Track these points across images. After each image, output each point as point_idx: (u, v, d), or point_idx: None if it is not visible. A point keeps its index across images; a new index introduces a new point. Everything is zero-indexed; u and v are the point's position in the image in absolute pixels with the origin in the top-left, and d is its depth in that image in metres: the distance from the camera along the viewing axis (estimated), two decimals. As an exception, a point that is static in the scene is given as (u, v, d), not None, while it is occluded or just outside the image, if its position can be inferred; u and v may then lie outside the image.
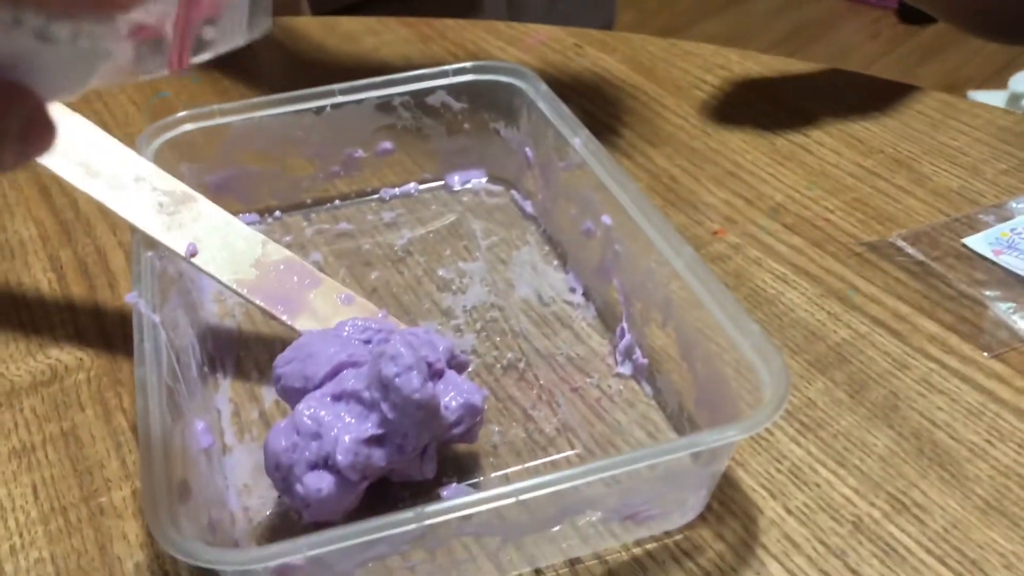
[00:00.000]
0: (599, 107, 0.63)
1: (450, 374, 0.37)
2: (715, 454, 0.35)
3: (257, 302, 0.42)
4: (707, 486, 0.36)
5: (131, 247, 0.41)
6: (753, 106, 0.62)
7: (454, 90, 0.53)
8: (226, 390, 0.43)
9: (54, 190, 0.56)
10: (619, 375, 0.43)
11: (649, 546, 0.36)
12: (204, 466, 0.36)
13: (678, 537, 0.36)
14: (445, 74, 0.52)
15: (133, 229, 0.41)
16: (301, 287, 0.43)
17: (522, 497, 0.31)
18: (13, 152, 0.20)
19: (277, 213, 0.53)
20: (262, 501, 0.38)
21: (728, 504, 0.37)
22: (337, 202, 0.54)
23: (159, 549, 0.36)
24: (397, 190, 0.55)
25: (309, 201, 0.54)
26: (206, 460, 0.37)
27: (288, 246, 0.47)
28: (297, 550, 0.29)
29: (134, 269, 0.40)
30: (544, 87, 0.50)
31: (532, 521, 0.34)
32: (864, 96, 0.63)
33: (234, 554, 0.31)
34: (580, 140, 0.47)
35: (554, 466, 0.39)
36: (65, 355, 0.45)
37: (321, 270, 0.49)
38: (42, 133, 0.21)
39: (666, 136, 0.59)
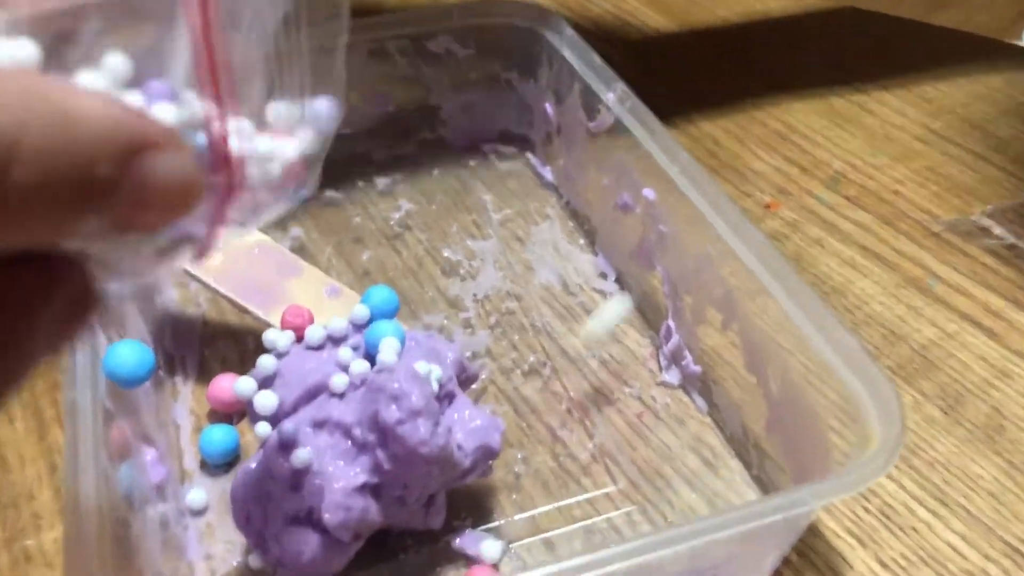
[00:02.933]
0: (626, 58, 0.54)
1: (460, 400, 0.30)
2: (801, 515, 0.26)
3: (226, 292, 0.35)
4: (791, 543, 0.29)
5: None
6: (803, 59, 0.54)
7: (460, 34, 0.44)
8: (186, 398, 0.35)
9: None
10: (664, 384, 0.36)
11: None
12: (154, 509, 0.29)
13: None
14: (449, 15, 0.44)
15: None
16: (279, 275, 0.35)
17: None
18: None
19: None
20: (228, 547, 0.30)
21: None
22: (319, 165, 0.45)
23: (99, 609, 0.29)
24: (393, 151, 0.47)
25: None
26: (158, 497, 0.30)
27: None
28: None
29: None
30: (570, 31, 0.42)
31: None
32: (928, 49, 0.55)
33: None
34: (615, 95, 0.39)
35: (592, 506, 0.31)
36: (-7, 351, 0.37)
37: (303, 248, 0.41)
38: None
39: (704, 92, 0.51)
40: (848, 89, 0.52)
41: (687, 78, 0.52)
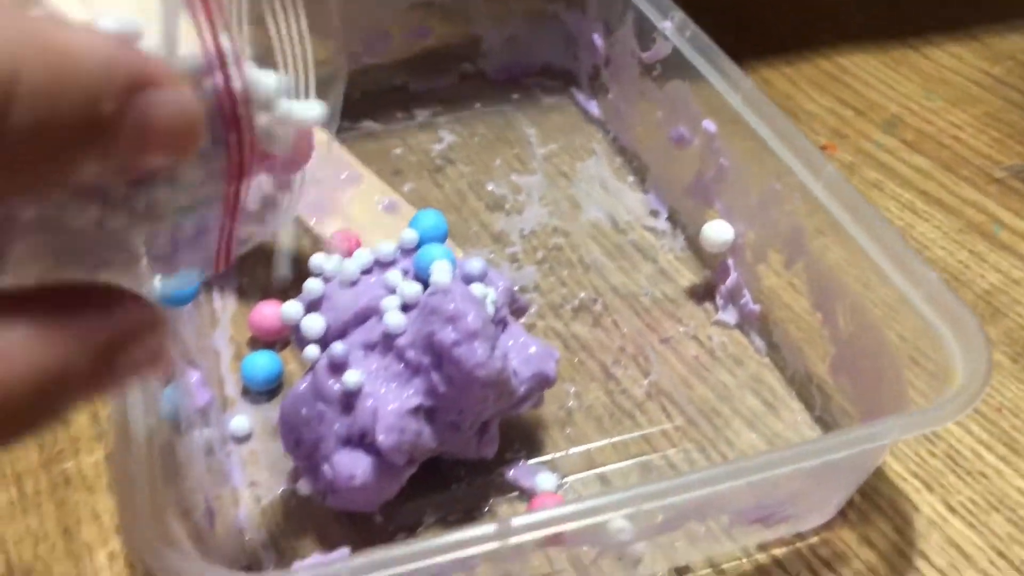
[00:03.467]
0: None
1: (514, 328, 0.28)
2: (879, 449, 0.26)
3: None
4: (857, 483, 0.28)
5: None
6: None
7: None
8: (226, 326, 0.34)
9: None
10: (720, 323, 0.34)
11: (777, 551, 0.28)
12: (199, 433, 0.28)
13: (813, 540, 0.28)
14: None
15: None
16: (336, 183, 0.34)
17: (629, 511, 0.22)
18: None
19: None
20: (273, 475, 0.29)
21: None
22: (359, 95, 0.44)
23: (140, 534, 0.28)
24: (432, 83, 0.45)
25: None
26: (202, 421, 0.29)
27: None
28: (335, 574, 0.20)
29: None
30: None
31: (638, 531, 0.24)
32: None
33: None
34: (672, 23, 0.37)
35: (647, 442, 0.30)
36: (25, 274, 0.36)
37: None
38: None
39: (752, 30, 0.50)
40: (903, 32, 0.50)
41: (735, 14, 0.50)
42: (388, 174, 0.40)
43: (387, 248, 0.29)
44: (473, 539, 0.21)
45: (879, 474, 0.29)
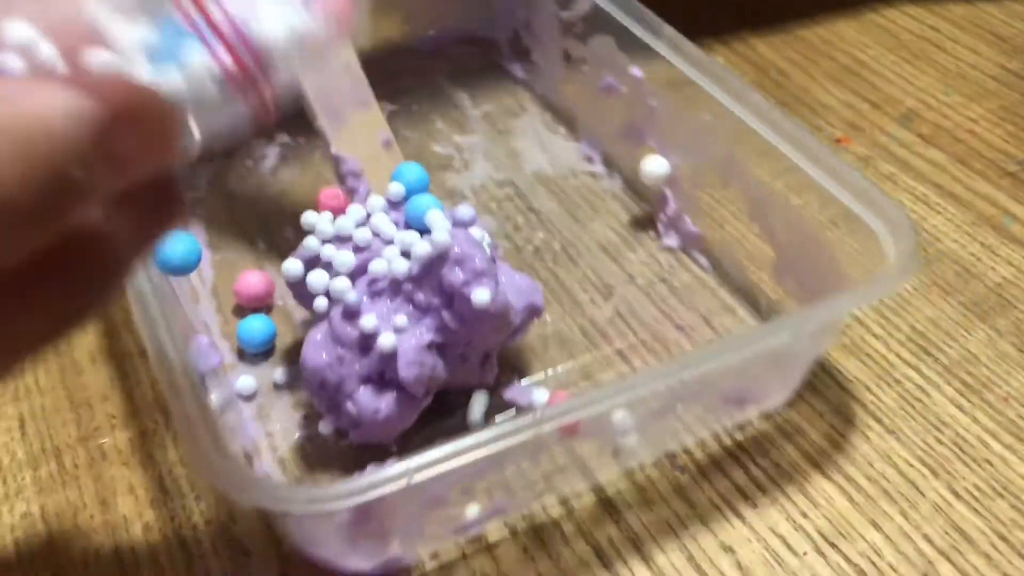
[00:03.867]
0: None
1: (501, 265, 0.31)
2: (832, 325, 0.30)
3: (307, 92, 0.34)
4: (813, 361, 0.32)
5: None
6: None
7: None
8: (209, 298, 0.35)
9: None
10: (666, 248, 0.37)
11: (749, 431, 0.31)
12: (217, 394, 0.29)
13: (779, 419, 0.31)
14: None
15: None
16: (349, 101, 0.35)
17: (634, 394, 0.25)
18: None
19: None
20: (284, 427, 0.31)
21: (880, 483, 0.30)
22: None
23: (173, 507, 0.29)
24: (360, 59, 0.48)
25: None
26: (215, 382, 0.30)
27: None
28: (403, 475, 0.22)
29: None
30: None
31: (637, 419, 0.27)
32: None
33: (320, 491, 0.23)
34: None
35: (620, 356, 0.33)
36: (61, 257, 0.37)
37: (293, 154, 0.42)
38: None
39: (768, 21, 0.50)
40: (919, 25, 0.50)
41: (752, 6, 0.51)
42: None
43: (378, 201, 0.31)
44: (513, 430, 0.23)
45: (886, 458, 0.30)
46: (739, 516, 0.29)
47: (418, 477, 0.22)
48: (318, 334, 0.28)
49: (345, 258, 0.29)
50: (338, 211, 0.31)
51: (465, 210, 0.31)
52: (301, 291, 0.30)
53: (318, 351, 0.28)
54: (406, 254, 0.29)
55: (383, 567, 0.27)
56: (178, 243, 0.30)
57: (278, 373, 0.32)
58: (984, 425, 0.31)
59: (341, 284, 0.28)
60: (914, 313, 0.35)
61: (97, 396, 0.32)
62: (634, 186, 0.40)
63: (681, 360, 0.26)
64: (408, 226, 0.30)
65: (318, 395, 0.29)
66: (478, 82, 0.46)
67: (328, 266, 0.29)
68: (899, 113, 0.44)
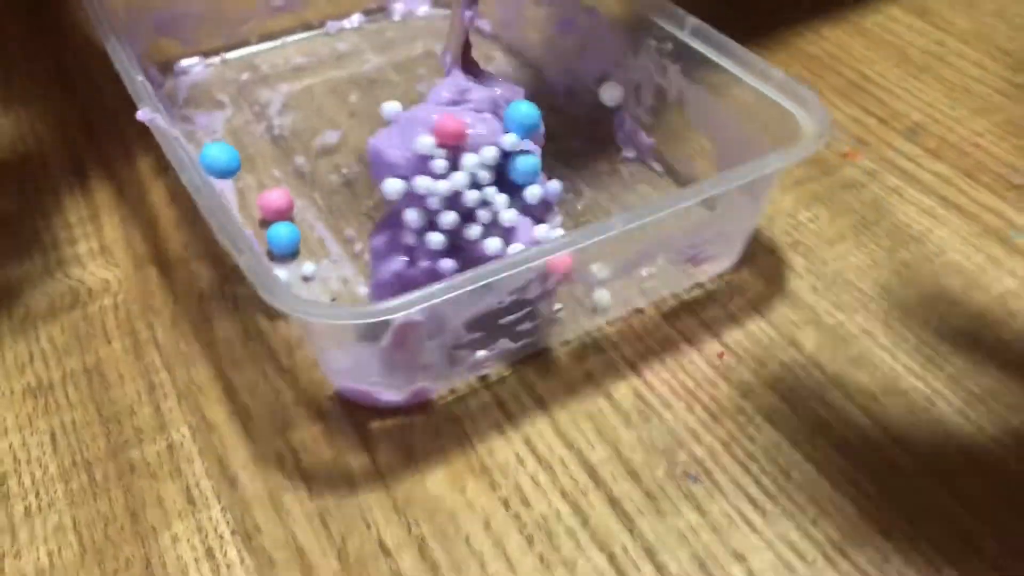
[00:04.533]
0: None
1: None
2: (765, 183, 0.36)
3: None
4: (754, 224, 0.38)
5: (119, 70, 0.37)
6: (874, 6, 0.54)
7: None
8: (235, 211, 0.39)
9: (76, 75, 0.49)
10: (625, 159, 0.43)
11: (703, 288, 0.37)
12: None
13: (729, 278, 0.37)
14: None
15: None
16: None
17: (627, 227, 0.31)
18: None
19: (223, 55, 0.50)
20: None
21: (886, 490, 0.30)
22: (282, 39, 0.51)
23: (200, 519, 0.30)
24: (344, 22, 0.52)
25: (253, 40, 0.51)
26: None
27: (249, 83, 0.48)
28: (425, 299, 0.28)
29: (131, 86, 0.36)
30: None
31: (615, 267, 0.34)
32: (1007, -1, 0.54)
33: (368, 307, 0.29)
34: None
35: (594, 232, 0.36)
36: (88, 275, 0.38)
37: (295, 100, 0.48)
38: None
39: (776, 37, 0.51)
40: (926, 39, 0.51)
41: (752, 20, 0.52)
42: (331, 92, 0.49)
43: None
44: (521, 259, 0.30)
45: (898, 468, 0.31)
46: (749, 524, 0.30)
47: (444, 297, 0.28)
48: (385, 236, 0.34)
49: (448, 218, 0.33)
50: (282, 212, 0.39)
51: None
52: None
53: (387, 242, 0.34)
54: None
55: (411, 397, 0.33)
56: (221, 150, 0.36)
57: (306, 267, 0.38)
58: (989, 434, 0.32)
59: (436, 239, 0.33)
60: (920, 324, 0.36)
61: (125, 410, 0.33)
62: (597, 111, 0.44)
63: (641, 209, 0.32)
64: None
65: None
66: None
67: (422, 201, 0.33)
68: (905, 127, 0.45)
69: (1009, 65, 0.49)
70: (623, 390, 0.33)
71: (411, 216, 0.33)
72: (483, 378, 0.34)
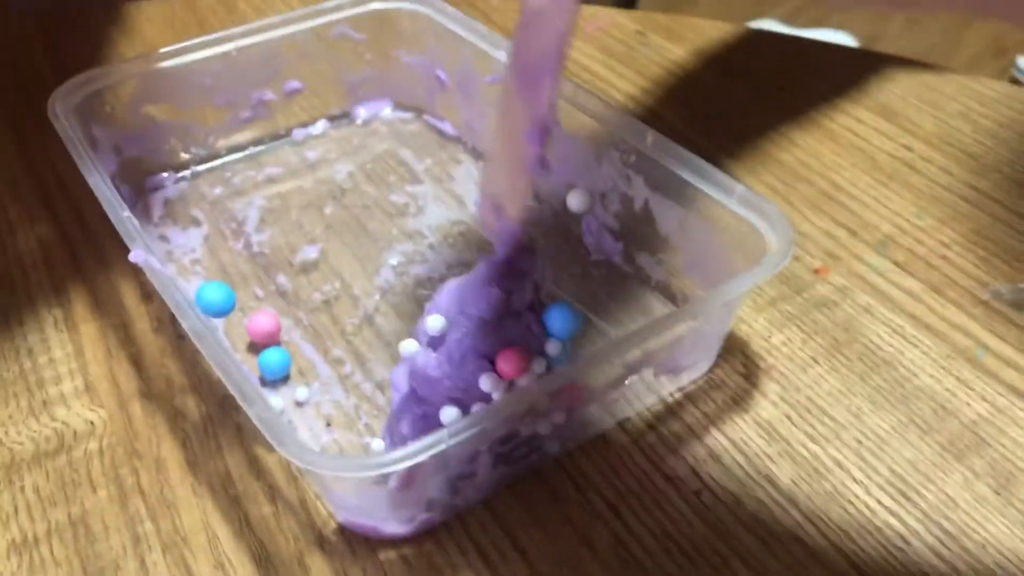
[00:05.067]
0: (669, 107, 0.56)
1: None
2: (736, 301, 0.38)
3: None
4: (724, 333, 0.40)
5: (105, 208, 0.38)
6: (842, 109, 0.55)
7: (355, 22, 0.51)
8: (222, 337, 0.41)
9: (59, 201, 0.49)
10: (596, 262, 0.44)
11: (683, 392, 0.39)
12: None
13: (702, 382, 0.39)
14: (343, 7, 0.51)
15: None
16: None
17: (619, 353, 0.34)
18: None
19: (194, 168, 0.51)
20: (311, 433, 0.38)
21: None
22: (251, 149, 0.52)
23: None
24: (310, 129, 0.53)
25: (223, 151, 0.52)
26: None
27: (224, 197, 0.49)
28: (434, 445, 0.29)
29: (120, 227, 0.37)
30: (451, 8, 0.50)
31: (600, 387, 0.36)
32: (965, 96, 0.55)
33: (377, 458, 0.30)
34: (505, 52, 0.44)
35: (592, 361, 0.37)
36: (73, 416, 0.39)
37: (271, 214, 0.49)
38: None
39: (749, 146, 0.52)
40: (894, 143, 0.52)
41: (729, 129, 0.53)
42: (308, 204, 0.49)
43: None
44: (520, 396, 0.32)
45: (869, 614, 0.32)
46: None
47: (451, 441, 0.30)
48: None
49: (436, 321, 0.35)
50: (271, 335, 0.40)
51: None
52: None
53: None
54: None
55: (415, 528, 0.34)
56: (216, 291, 0.39)
57: (299, 392, 0.39)
58: (964, 574, 0.33)
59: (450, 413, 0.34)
60: (893, 455, 0.37)
61: (110, 565, 0.33)
62: (563, 215, 0.45)
63: (626, 338, 0.33)
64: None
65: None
66: (415, 141, 0.53)
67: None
68: (875, 239, 0.46)
69: (974, 170, 0.50)
70: (597, 525, 0.34)
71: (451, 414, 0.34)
72: (485, 500, 0.35)
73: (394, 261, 0.45)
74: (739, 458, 0.36)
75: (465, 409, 0.34)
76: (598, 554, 0.33)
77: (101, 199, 0.39)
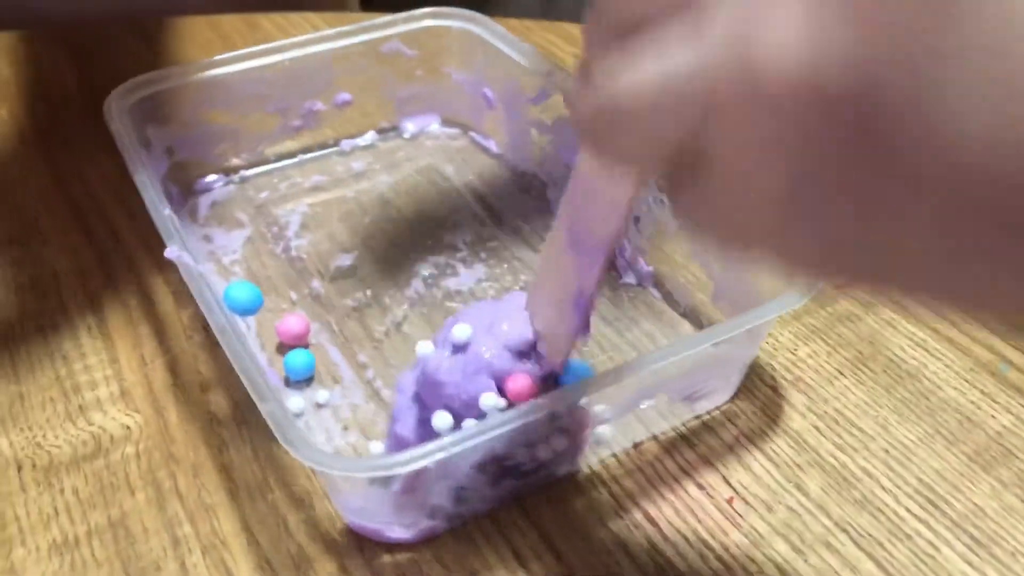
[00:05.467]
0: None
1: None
2: (760, 329, 0.38)
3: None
4: (747, 362, 0.39)
5: (148, 205, 0.39)
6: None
7: (407, 38, 0.52)
8: (254, 338, 0.42)
9: (90, 212, 0.50)
10: (625, 284, 0.45)
11: (701, 419, 0.39)
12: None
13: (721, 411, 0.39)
14: (396, 23, 0.52)
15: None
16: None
17: (626, 380, 0.33)
18: None
19: (243, 172, 0.52)
20: (327, 436, 0.39)
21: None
22: (299, 157, 0.53)
23: None
24: (358, 140, 0.54)
25: (272, 157, 0.52)
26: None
27: (267, 202, 0.50)
28: (437, 451, 0.30)
29: (160, 224, 0.38)
30: (500, 28, 0.50)
31: (614, 408, 0.36)
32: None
33: (382, 459, 0.31)
34: (549, 71, 0.47)
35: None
36: (109, 421, 0.39)
37: (311, 220, 0.50)
38: None
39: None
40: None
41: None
42: (349, 213, 0.50)
43: None
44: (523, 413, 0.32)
45: (903, 619, 0.32)
46: None
47: (453, 450, 0.30)
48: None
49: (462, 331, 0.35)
50: (299, 337, 0.41)
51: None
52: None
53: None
54: None
55: (419, 535, 0.34)
56: (244, 290, 0.40)
57: (320, 394, 0.40)
58: (992, 581, 0.33)
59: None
60: (920, 464, 0.37)
61: (151, 566, 0.34)
62: None
63: (641, 359, 0.34)
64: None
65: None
66: (459, 156, 0.53)
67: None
68: (896, 257, 0.47)
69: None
70: (635, 534, 0.35)
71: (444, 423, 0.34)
72: (491, 512, 0.35)
73: (425, 272, 0.46)
74: (769, 467, 0.37)
75: (458, 421, 0.34)
76: (634, 559, 0.34)
77: (144, 196, 0.40)
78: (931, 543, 0.34)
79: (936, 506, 0.36)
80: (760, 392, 0.40)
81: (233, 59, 0.48)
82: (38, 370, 0.41)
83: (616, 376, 0.33)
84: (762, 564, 0.34)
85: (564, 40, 0.64)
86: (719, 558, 0.34)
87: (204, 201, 0.50)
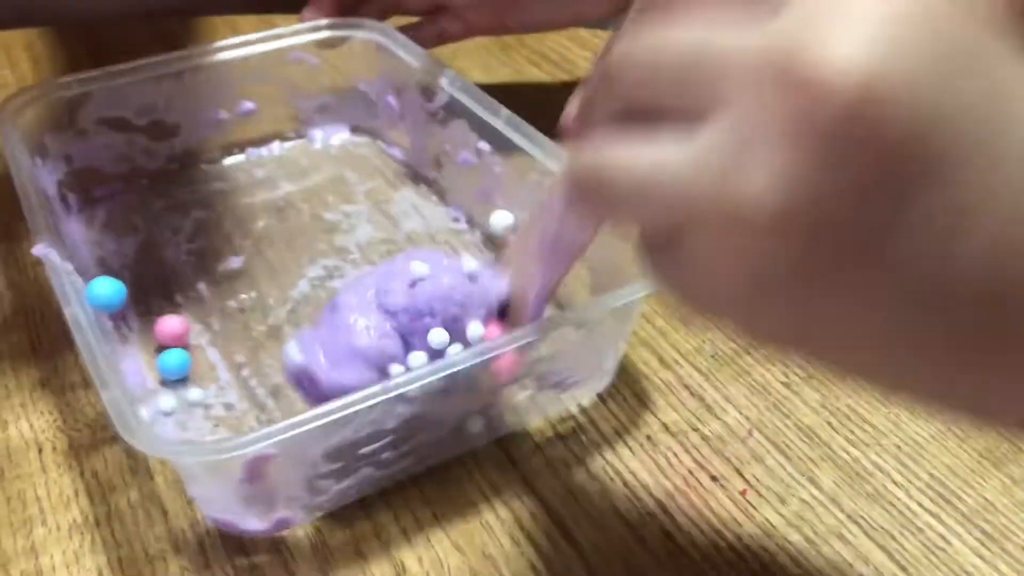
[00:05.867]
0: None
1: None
2: (628, 311, 0.38)
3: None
4: (619, 347, 0.39)
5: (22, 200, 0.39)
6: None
7: (309, 47, 0.51)
8: (135, 342, 0.41)
9: None
10: None
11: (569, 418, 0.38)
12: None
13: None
14: (300, 32, 0.51)
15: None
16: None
17: (487, 356, 0.33)
18: None
19: (143, 181, 0.50)
20: (199, 434, 0.37)
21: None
22: (203, 166, 0.52)
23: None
24: (263, 150, 0.53)
25: (176, 166, 0.51)
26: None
27: (165, 209, 0.49)
28: (276, 433, 0.30)
29: (30, 219, 0.38)
30: (401, 36, 0.50)
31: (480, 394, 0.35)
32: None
33: (215, 444, 0.31)
34: (447, 79, 0.47)
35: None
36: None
37: (205, 226, 0.48)
38: None
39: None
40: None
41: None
42: (243, 217, 0.49)
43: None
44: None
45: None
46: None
47: (285, 435, 0.29)
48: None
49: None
50: (177, 338, 0.40)
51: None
52: None
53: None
54: None
55: (274, 526, 0.34)
56: (106, 283, 0.38)
57: (192, 393, 0.39)
58: (1005, 575, 0.33)
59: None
60: (932, 460, 0.37)
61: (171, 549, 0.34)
62: (491, 240, 0.47)
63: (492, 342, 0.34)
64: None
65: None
66: (363, 164, 0.53)
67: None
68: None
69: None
70: (649, 525, 0.35)
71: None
72: (362, 500, 0.35)
73: (313, 274, 0.45)
74: (782, 460, 0.37)
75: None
76: (648, 546, 0.34)
77: (20, 193, 0.39)
78: (942, 536, 0.34)
79: (947, 501, 0.36)
80: (773, 389, 0.40)
81: (134, 68, 0.47)
82: (57, 355, 0.42)
83: (464, 357, 0.33)
84: (775, 554, 0.34)
85: (577, 45, 0.64)
86: (732, 548, 0.34)
87: (101, 209, 0.49)
